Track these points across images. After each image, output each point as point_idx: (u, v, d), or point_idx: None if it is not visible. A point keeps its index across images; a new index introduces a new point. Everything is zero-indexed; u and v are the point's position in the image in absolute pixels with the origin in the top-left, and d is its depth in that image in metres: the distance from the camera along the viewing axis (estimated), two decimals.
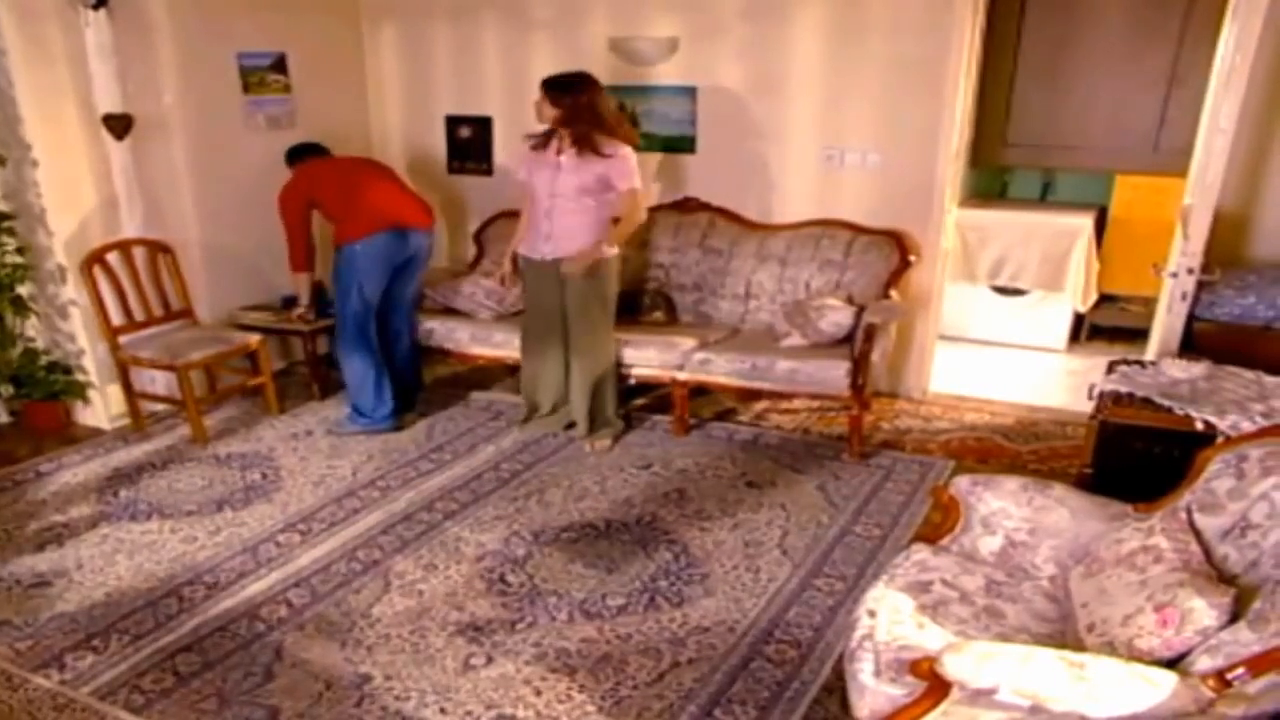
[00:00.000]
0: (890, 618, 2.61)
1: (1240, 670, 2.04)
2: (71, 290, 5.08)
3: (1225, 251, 4.52)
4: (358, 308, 5.10)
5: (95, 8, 4.80)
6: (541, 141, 4.84)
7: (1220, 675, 2.06)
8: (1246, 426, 3.35)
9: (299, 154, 5.46)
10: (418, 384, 5.76)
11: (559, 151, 4.76)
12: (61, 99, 4.84)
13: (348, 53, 6.42)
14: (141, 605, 3.68)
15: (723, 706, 3.09)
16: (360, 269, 5.05)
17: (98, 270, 5.06)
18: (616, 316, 5.23)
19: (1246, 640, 2.13)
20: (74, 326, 5.18)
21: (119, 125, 5.04)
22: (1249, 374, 3.87)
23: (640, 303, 5.63)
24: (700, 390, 5.28)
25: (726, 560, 3.96)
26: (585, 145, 4.67)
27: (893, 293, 5.22)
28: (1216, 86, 4.01)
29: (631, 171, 4.71)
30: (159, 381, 5.42)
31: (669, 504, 4.46)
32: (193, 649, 3.41)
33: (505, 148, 6.35)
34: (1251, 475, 2.61)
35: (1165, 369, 3.99)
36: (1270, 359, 3.97)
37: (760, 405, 5.59)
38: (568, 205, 4.76)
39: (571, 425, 5.20)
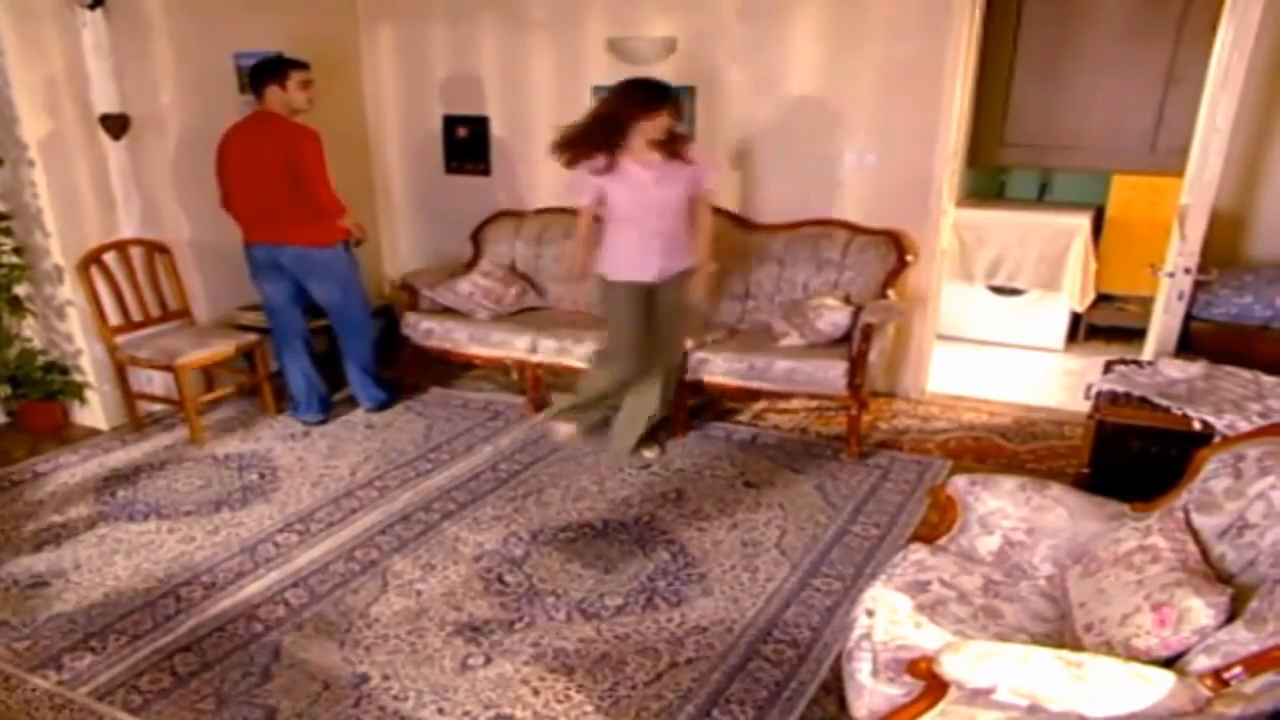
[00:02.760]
0: (888, 617, 2.62)
1: (1237, 669, 2.04)
2: (69, 290, 5.08)
3: (1222, 251, 4.53)
4: (265, 306, 5.34)
5: (92, 7, 4.80)
6: (609, 163, 4.39)
7: (1217, 674, 2.06)
8: (1243, 426, 3.36)
9: (257, 83, 4.99)
10: (397, 384, 5.80)
11: (644, 166, 4.39)
12: (58, 99, 4.84)
13: (345, 52, 6.41)
14: (139, 605, 3.68)
15: (721, 706, 3.09)
16: (251, 272, 5.23)
17: (95, 270, 5.06)
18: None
19: (1244, 639, 2.13)
20: (71, 327, 5.18)
21: (116, 125, 5.03)
22: (1246, 374, 3.88)
23: None
24: (698, 389, 5.27)
25: (724, 560, 3.96)
26: (678, 153, 4.45)
27: (890, 292, 5.21)
28: (1213, 86, 4.02)
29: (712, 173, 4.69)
30: (156, 381, 5.42)
31: (667, 504, 4.46)
32: (191, 649, 3.41)
33: (502, 148, 6.36)
34: (1249, 475, 2.62)
35: (1162, 369, 4.00)
36: (1267, 358, 3.98)
37: (758, 405, 5.59)
38: (674, 220, 4.49)
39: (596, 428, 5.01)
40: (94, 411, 5.34)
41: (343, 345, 5.51)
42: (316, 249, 5.11)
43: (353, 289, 5.35)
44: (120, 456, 5.01)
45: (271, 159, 4.90)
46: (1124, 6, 6.01)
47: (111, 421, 5.35)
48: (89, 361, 5.22)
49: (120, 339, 5.18)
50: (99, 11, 4.83)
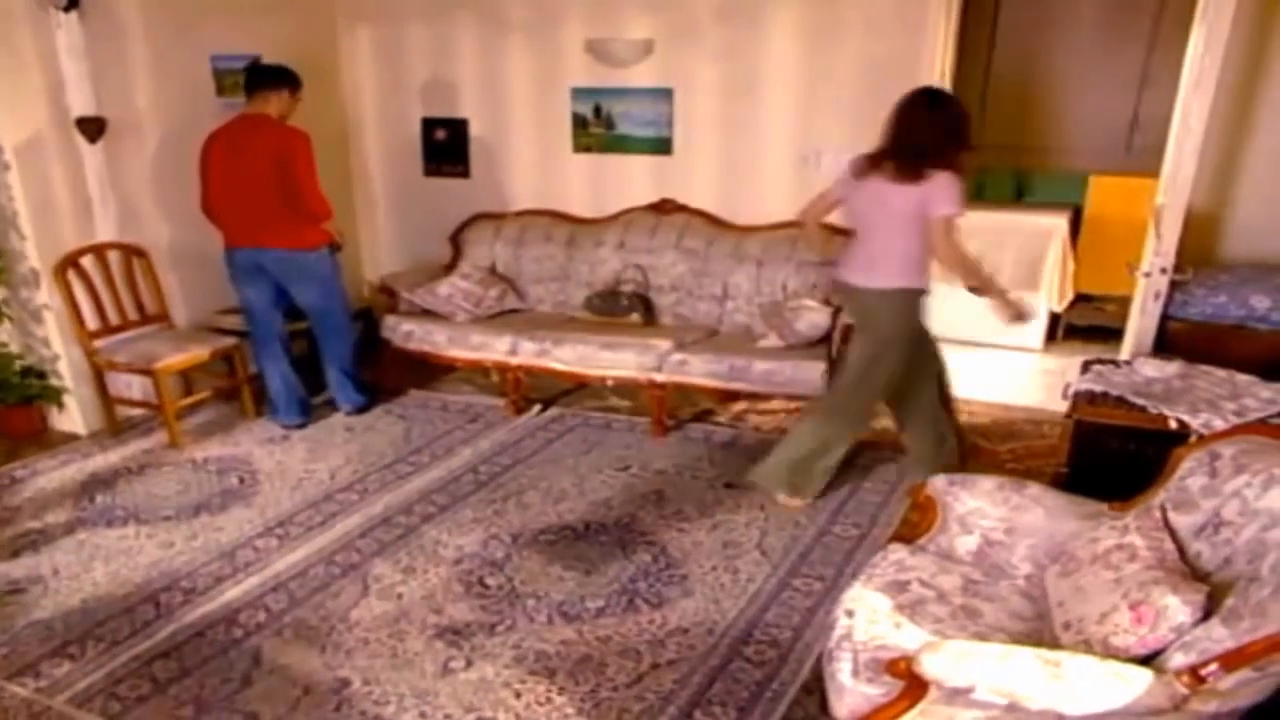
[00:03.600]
0: (868, 617, 2.63)
1: (1214, 666, 2.06)
2: (45, 294, 5.04)
3: (1197, 251, 4.57)
4: (242, 309, 5.29)
5: (66, 9, 4.77)
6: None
7: (1194, 671, 2.08)
8: (1219, 425, 3.39)
9: (251, 86, 5.03)
10: (376, 387, 5.80)
11: None
12: (33, 102, 4.80)
13: (323, 55, 6.39)
14: (118, 611, 3.66)
15: (702, 708, 3.09)
16: (231, 275, 5.22)
17: (72, 274, 5.02)
18: (595, 317, 5.22)
19: (1220, 636, 2.15)
20: (48, 331, 5.14)
21: (92, 128, 5.00)
22: (1221, 373, 3.91)
23: (617, 304, 5.64)
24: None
25: (705, 561, 3.97)
26: None
27: None
28: (1186, 88, 4.05)
29: None
30: (135, 386, 5.38)
31: (647, 505, 4.46)
32: (170, 655, 3.39)
33: (481, 150, 6.37)
34: (1224, 473, 2.63)
35: (1139, 368, 4.03)
36: (1242, 357, 4.01)
37: (738, 406, 5.60)
38: None
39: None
40: (72, 416, 5.31)
41: (323, 348, 5.49)
42: (301, 252, 5.10)
43: (335, 292, 5.35)
44: (99, 461, 4.98)
45: (261, 158, 4.89)
46: (1099, 9, 6.05)
47: (90, 426, 5.32)
48: (67, 366, 5.19)
49: (98, 343, 5.14)
50: (74, 14, 4.80)
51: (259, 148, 4.89)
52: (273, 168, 4.89)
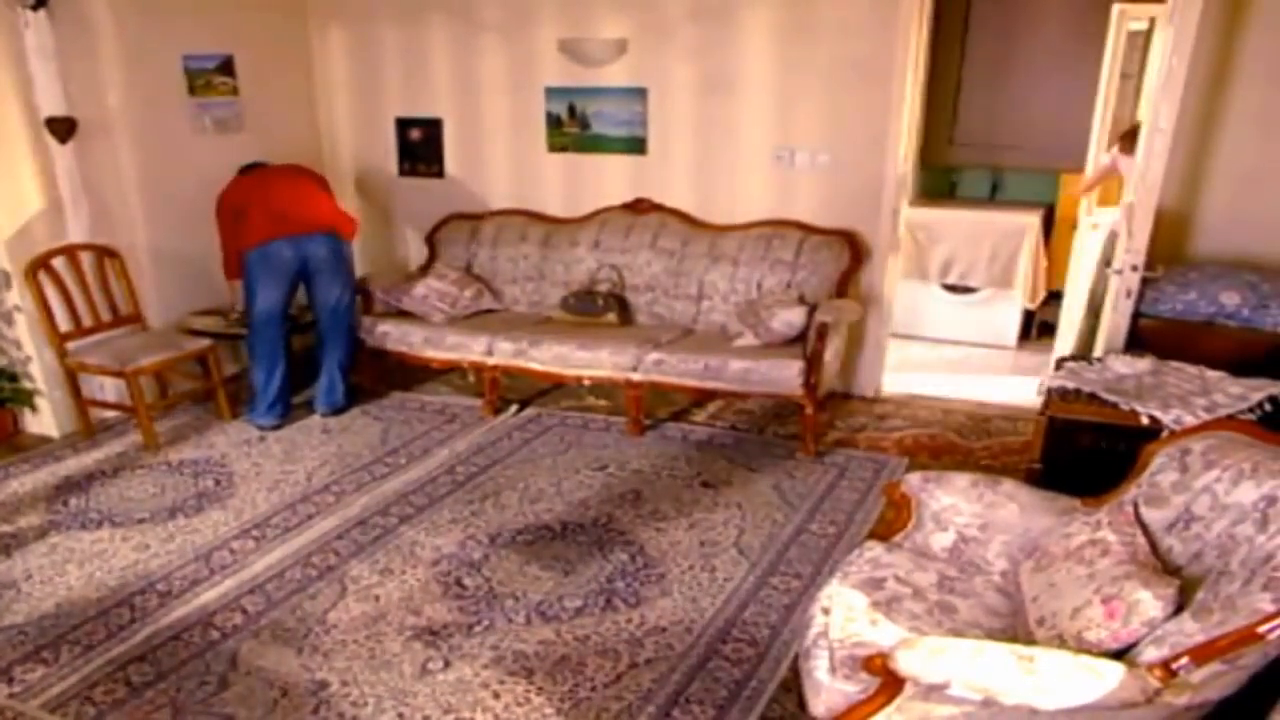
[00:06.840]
0: (844, 615, 2.64)
1: (1185, 660, 2.08)
2: (16, 296, 5.00)
3: (1167, 249, 4.61)
4: (255, 311, 5.27)
5: (35, 8, 4.73)
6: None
7: (1166, 665, 2.10)
8: (1189, 420, 3.42)
9: (245, 169, 5.58)
10: (354, 388, 5.80)
11: None
12: (1, 101, 4.76)
13: (296, 55, 6.36)
14: (93, 615, 3.64)
15: (681, 706, 3.10)
16: (253, 275, 5.21)
17: (43, 276, 4.98)
18: (571, 317, 5.22)
19: (1190, 630, 2.17)
20: (20, 333, 5.10)
21: (62, 128, 4.96)
22: (1191, 369, 3.94)
23: (593, 304, 5.64)
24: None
25: (683, 560, 3.98)
26: None
27: (845, 291, 5.26)
28: (1155, 88, 4.09)
29: None
30: (108, 388, 5.34)
31: (625, 505, 4.47)
32: (146, 659, 3.38)
33: (456, 150, 6.36)
34: (1194, 469, 2.67)
35: (1111, 365, 4.06)
36: (1212, 354, 4.04)
37: (715, 405, 5.62)
38: None
39: None
40: (45, 419, 5.27)
41: (326, 346, 5.55)
42: (347, 243, 5.51)
43: (351, 289, 5.54)
44: (72, 464, 4.94)
45: (315, 178, 5.65)
46: (1068, 9, 6.10)
47: (63, 429, 5.28)
48: (39, 368, 5.15)
49: (71, 345, 5.11)
50: (42, 12, 4.76)
51: (308, 171, 5.67)
52: (322, 184, 5.65)
